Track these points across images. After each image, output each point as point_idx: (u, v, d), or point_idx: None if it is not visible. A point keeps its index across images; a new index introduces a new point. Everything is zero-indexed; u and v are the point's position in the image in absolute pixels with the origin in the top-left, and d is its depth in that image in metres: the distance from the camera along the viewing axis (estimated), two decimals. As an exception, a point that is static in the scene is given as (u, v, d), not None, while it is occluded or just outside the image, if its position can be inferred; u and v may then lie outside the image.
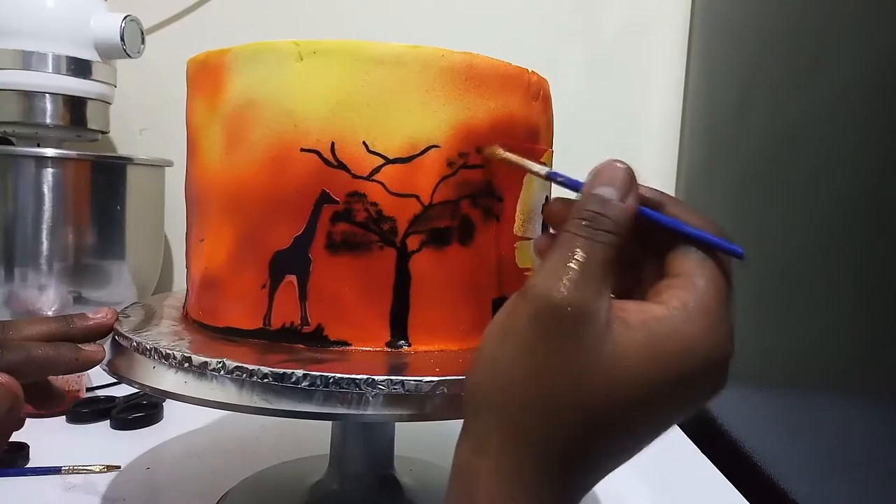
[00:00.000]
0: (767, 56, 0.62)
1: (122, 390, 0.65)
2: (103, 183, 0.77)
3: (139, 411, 0.61)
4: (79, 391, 0.64)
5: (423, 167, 0.35)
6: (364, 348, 0.36)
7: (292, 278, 0.36)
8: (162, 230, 0.89)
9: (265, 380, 0.31)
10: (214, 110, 0.38)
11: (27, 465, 0.51)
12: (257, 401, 0.31)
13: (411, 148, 0.35)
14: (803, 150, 0.53)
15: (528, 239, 0.39)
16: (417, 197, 0.35)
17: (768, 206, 0.59)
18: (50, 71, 0.75)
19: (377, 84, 0.35)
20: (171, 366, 0.34)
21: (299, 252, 0.35)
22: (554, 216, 0.29)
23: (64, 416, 0.60)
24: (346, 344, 0.36)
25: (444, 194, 0.36)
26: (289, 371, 0.31)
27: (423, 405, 0.31)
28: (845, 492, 0.45)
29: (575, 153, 0.65)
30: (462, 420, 0.26)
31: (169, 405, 0.63)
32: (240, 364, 0.32)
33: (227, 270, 0.38)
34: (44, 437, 0.54)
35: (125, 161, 0.81)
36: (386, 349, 0.36)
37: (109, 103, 0.83)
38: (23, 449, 0.52)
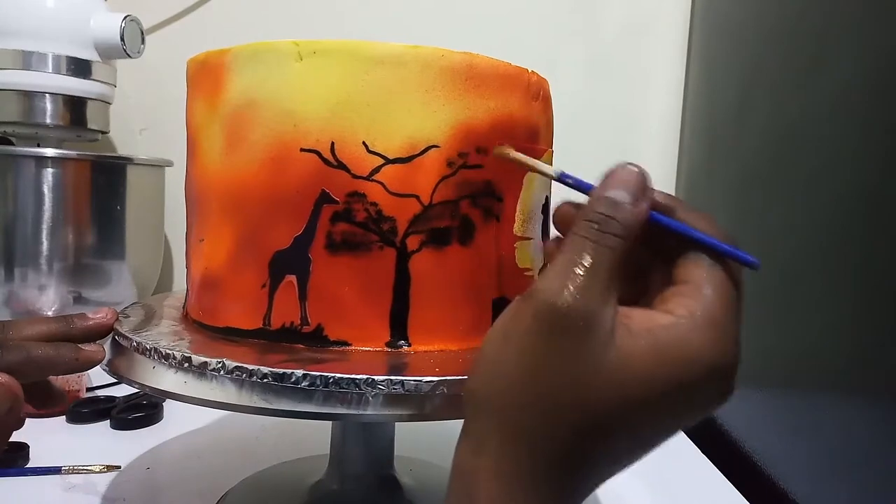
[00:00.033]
0: (767, 56, 0.62)
1: (122, 390, 0.65)
2: (103, 183, 0.77)
3: (139, 411, 0.61)
4: (79, 391, 0.64)
5: (423, 167, 0.35)
6: (364, 348, 0.36)
7: (292, 278, 0.36)
8: (162, 230, 0.89)
9: (265, 380, 0.31)
10: (214, 110, 0.38)
11: (27, 465, 0.51)
12: (257, 401, 0.31)
13: (411, 148, 0.35)
14: (803, 150, 0.53)
15: (528, 239, 0.39)
16: (417, 197, 0.35)
17: (768, 206, 0.59)
18: (50, 71, 0.75)
19: (377, 84, 0.35)
20: (170, 366, 0.34)
21: (299, 252, 0.35)
22: (563, 219, 0.28)
23: (64, 416, 0.60)
24: (345, 344, 0.36)
25: (443, 194, 0.36)
26: (289, 371, 0.31)
27: (423, 405, 0.31)
28: (845, 492, 0.45)
29: (575, 153, 0.66)
30: (462, 420, 0.26)
31: (169, 405, 0.63)
32: (240, 364, 0.32)
33: (227, 270, 0.38)
34: (44, 437, 0.54)
35: (125, 161, 0.81)
36: (386, 349, 0.36)
37: (109, 103, 0.83)
38: (23, 449, 0.52)
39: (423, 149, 0.35)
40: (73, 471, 0.50)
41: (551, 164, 0.42)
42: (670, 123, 0.94)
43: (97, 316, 0.39)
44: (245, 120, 0.36)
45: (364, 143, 0.35)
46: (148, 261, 0.85)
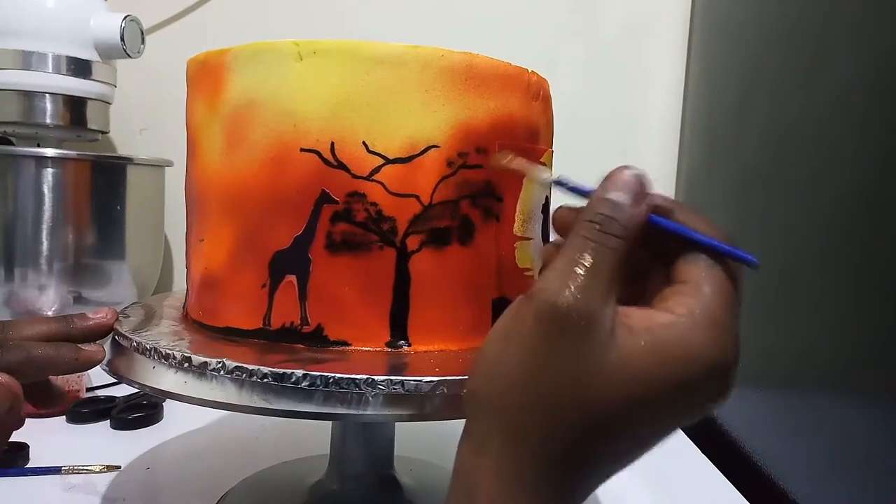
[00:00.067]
0: (767, 56, 0.62)
1: (122, 390, 0.65)
2: (103, 183, 0.77)
3: (139, 411, 0.61)
4: (79, 391, 0.64)
5: (423, 167, 0.35)
6: (364, 348, 0.36)
7: (292, 278, 0.36)
8: (162, 230, 0.89)
9: (265, 380, 0.31)
10: (214, 110, 0.38)
11: (27, 465, 0.51)
12: (257, 401, 0.31)
13: (411, 148, 0.35)
14: (803, 150, 0.53)
15: (528, 239, 0.39)
16: (417, 197, 0.35)
17: (768, 206, 0.59)
18: (50, 71, 0.75)
19: (377, 84, 0.35)
20: (171, 366, 0.34)
21: (299, 252, 0.35)
22: (561, 223, 0.29)
23: (64, 416, 0.60)
24: (345, 344, 0.36)
25: (443, 194, 0.36)
26: (289, 371, 0.31)
27: (423, 405, 0.31)
28: (845, 492, 0.45)
29: (575, 153, 0.66)
30: (462, 420, 0.26)
31: (169, 405, 0.63)
32: (240, 364, 0.32)
33: (227, 270, 0.38)
34: (44, 437, 0.54)
35: (125, 161, 0.81)
36: (386, 349, 0.36)
37: (109, 103, 0.83)
38: (23, 449, 0.52)
39: (423, 149, 0.35)
40: (73, 471, 0.50)
41: (551, 165, 0.42)
42: (670, 123, 0.94)
43: (97, 316, 0.39)
44: (245, 120, 0.36)
45: (364, 143, 0.35)
46: (148, 261, 0.86)
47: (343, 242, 0.35)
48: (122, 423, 0.60)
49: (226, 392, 0.32)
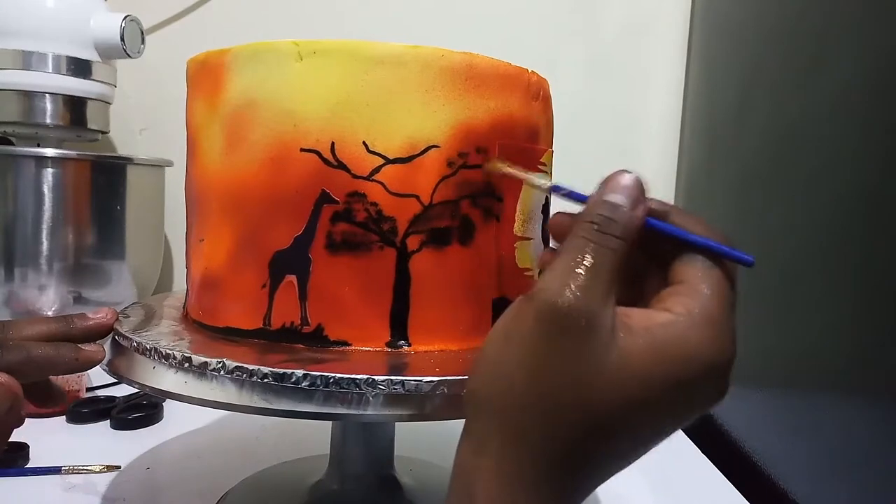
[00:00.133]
0: (767, 56, 0.62)
1: (122, 390, 0.65)
2: (103, 183, 0.77)
3: (139, 411, 0.61)
4: (79, 391, 0.64)
5: (423, 167, 0.35)
6: (364, 348, 0.36)
7: (292, 278, 0.36)
8: (162, 230, 0.89)
9: (265, 380, 0.31)
10: (214, 110, 0.38)
11: (27, 465, 0.51)
12: (257, 401, 0.31)
13: (411, 148, 0.35)
14: (803, 150, 0.53)
15: (528, 239, 0.39)
16: (417, 197, 0.35)
17: (768, 206, 0.59)
18: (50, 71, 0.75)
19: (377, 84, 0.35)
20: (171, 366, 0.34)
21: (299, 252, 0.35)
22: (558, 229, 0.29)
23: (64, 416, 0.60)
24: (346, 344, 0.36)
25: (444, 194, 0.36)
26: (289, 371, 0.31)
27: (423, 405, 0.31)
28: (845, 492, 0.45)
29: (575, 153, 0.66)
30: (462, 420, 0.26)
31: (169, 405, 0.63)
32: (240, 364, 0.32)
33: (227, 270, 0.38)
34: (44, 437, 0.54)
35: (125, 161, 0.81)
36: (386, 349, 0.36)
37: (109, 103, 0.83)
38: (23, 449, 0.52)
39: (423, 149, 0.35)
40: (73, 471, 0.50)
41: (551, 165, 0.42)
42: (670, 123, 0.94)
43: (97, 316, 0.39)
44: (245, 120, 0.36)
45: (364, 143, 0.35)
46: (148, 261, 0.86)
47: (343, 242, 0.35)
48: (122, 423, 0.60)
49: (226, 392, 0.32)
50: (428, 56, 0.35)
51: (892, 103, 0.41)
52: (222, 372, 0.32)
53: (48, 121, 0.76)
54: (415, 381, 0.31)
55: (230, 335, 0.37)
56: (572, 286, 0.24)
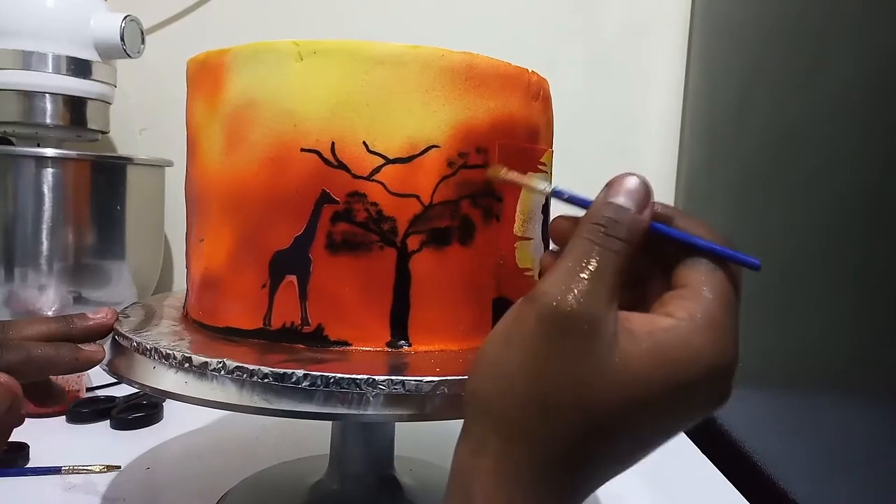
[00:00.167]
0: (767, 56, 0.62)
1: (122, 390, 0.65)
2: (103, 183, 0.77)
3: (139, 411, 0.61)
4: (79, 391, 0.64)
5: (423, 167, 0.35)
6: (364, 348, 0.36)
7: (292, 278, 0.36)
8: (162, 230, 0.89)
9: (265, 380, 0.31)
10: (214, 110, 0.38)
11: (27, 465, 0.51)
12: (257, 401, 0.31)
13: (411, 148, 0.35)
14: (803, 150, 0.53)
15: (529, 239, 0.39)
16: (417, 197, 0.35)
17: (768, 206, 0.59)
18: (50, 71, 0.75)
19: (377, 84, 0.35)
20: (171, 366, 0.34)
21: (299, 252, 0.35)
22: (559, 232, 0.29)
23: (64, 416, 0.60)
24: (346, 344, 0.36)
25: (444, 194, 0.36)
26: (289, 371, 0.31)
27: (424, 405, 0.31)
28: (845, 492, 0.45)
29: (575, 153, 0.66)
30: (462, 420, 0.26)
31: (169, 405, 0.63)
32: (240, 364, 0.32)
33: (227, 270, 0.38)
34: (44, 437, 0.54)
35: (125, 161, 0.81)
36: (386, 349, 0.36)
37: (109, 103, 0.83)
38: (23, 449, 0.52)
39: (423, 149, 0.35)
40: (73, 471, 0.50)
41: (552, 164, 0.42)
42: (670, 123, 0.94)
43: (97, 316, 0.39)
44: (245, 120, 0.36)
45: (364, 143, 0.35)
46: (148, 261, 0.85)
47: (343, 242, 0.35)
48: (122, 423, 0.60)
49: (226, 392, 0.32)
50: (428, 56, 0.35)
51: (892, 103, 0.41)
52: (222, 372, 0.32)
53: (48, 121, 0.76)
54: (415, 381, 0.31)
55: (230, 335, 0.37)
56: (575, 290, 0.24)
